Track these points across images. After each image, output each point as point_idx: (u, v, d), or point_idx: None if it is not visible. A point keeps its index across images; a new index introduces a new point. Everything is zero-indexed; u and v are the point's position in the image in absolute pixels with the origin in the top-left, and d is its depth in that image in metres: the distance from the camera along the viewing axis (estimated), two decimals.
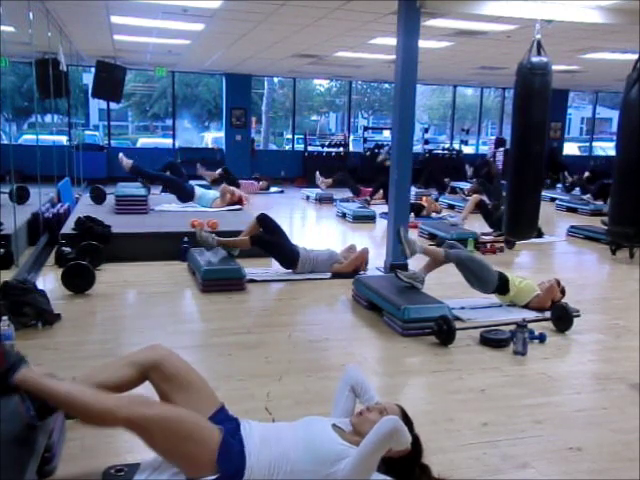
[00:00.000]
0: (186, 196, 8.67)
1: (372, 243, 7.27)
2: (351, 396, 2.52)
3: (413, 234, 7.48)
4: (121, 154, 8.92)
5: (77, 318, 4.31)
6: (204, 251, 5.73)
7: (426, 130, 17.35)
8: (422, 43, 5.98)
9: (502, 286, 4.74)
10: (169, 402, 2.19)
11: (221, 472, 2.02)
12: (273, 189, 13.10)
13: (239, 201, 9.04)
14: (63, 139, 11.88)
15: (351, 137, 17.36)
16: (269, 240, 5.78)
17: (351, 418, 2.28)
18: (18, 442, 2.11)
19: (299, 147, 17.11)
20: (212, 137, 22.09)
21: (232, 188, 9.24)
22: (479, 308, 4.76)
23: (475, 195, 8.84)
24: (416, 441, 2.23)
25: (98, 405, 2.01)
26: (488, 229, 8.03)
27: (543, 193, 5.98)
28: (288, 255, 5.74)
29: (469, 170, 13.23)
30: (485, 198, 8.98)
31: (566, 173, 12.77)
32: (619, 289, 5.91)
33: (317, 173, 11.95)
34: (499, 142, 16.14)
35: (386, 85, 23.95)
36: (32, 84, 9.81)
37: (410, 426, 2.24)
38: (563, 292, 4.77)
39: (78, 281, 4.89)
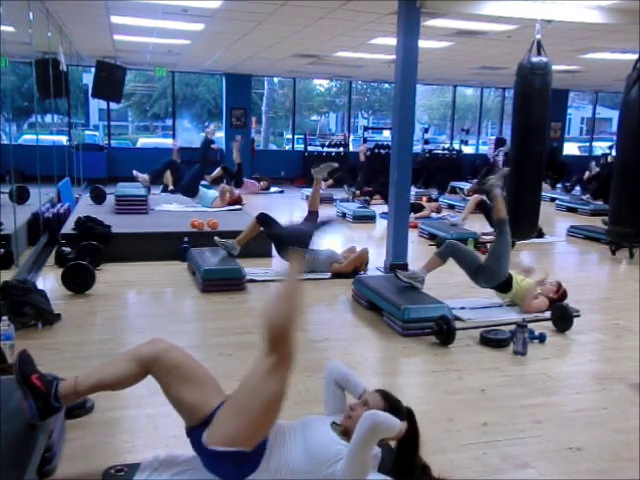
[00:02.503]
0: (211, 164, 8.78)
1: (372, 243, 7.26)
2: (338, 391, 2.51)
3: (412, 234, 7.48)
4: (135, 172, 9.00)
5: (77, 318, 4.31)
6: (204, 251, 5.74)
7: (426, 130, 17.34)
8: (422, 43, 5.98)
9: (505, 282, 4.74)
10: (173, 394, 2.17)
11: (253, 454, 2.04)
12: (273, 189, 13.10)
13: (239, 201, 9.05)
14: (63, 139, 11.87)
15: (351, 137, 17.35)
16: (274, 219, 5.79)
17: (342, 420, 2.27)
18: (18, 442, 2.11)
19: (299, 147, 17.10)
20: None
21: (231, 187, 9.29)
22: (479, 308, 4.77)
23: (476, 195, 8.83)
24: (410, 416, 2.24)
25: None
26: (488, 229, 8.02)
27: (543, 193, 5.99)
28: None
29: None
30: (485, 198, 8.98)
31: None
32: (619, 289, 5.90)
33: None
34: (499, 142, 16.12)
35: (386, 85, 23.92)
36: (32, 84, 9.79)
37: (397, 406, 2.26)
38: (564, 296, 4.75)
39: (78, 281, 4.89)
